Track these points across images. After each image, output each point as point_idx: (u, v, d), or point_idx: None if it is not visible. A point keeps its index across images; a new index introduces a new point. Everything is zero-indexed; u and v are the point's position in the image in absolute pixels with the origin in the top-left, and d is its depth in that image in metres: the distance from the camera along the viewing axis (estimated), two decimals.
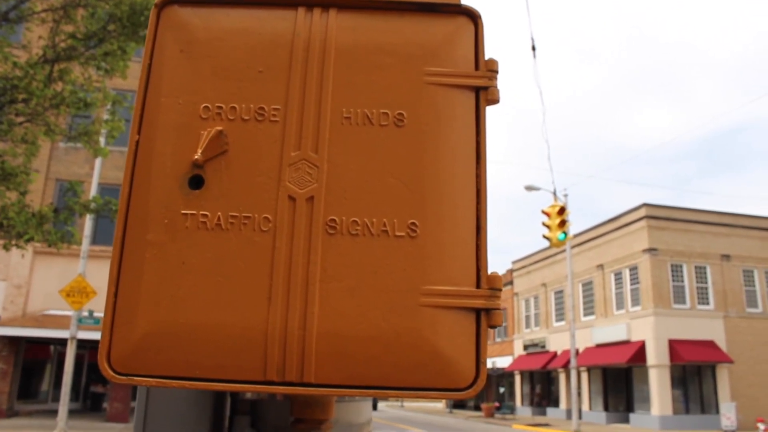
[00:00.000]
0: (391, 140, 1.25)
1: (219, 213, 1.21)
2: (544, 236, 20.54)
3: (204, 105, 1.28)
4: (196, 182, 1.24)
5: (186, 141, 1.26)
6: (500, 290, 1.23)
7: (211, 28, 1.34)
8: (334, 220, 1.20)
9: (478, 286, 1.21)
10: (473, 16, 1.37)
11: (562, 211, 20.42)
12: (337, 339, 1.15)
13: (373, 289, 1.17)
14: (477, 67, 1.33)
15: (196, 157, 1.22)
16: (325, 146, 1.24)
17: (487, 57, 1.36)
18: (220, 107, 1.28)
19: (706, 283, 32.25)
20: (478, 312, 1.20)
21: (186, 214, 1.21)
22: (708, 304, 32.05)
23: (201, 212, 1.21)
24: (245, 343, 1.15)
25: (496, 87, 1.33)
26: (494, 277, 1.23)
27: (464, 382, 1.18)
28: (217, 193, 1.23)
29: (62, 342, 21.50)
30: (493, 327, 1.22)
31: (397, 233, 1.20)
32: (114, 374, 1.18)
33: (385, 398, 1.28)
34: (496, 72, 1.34)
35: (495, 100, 1.32)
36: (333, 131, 1.25)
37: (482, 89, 1.32)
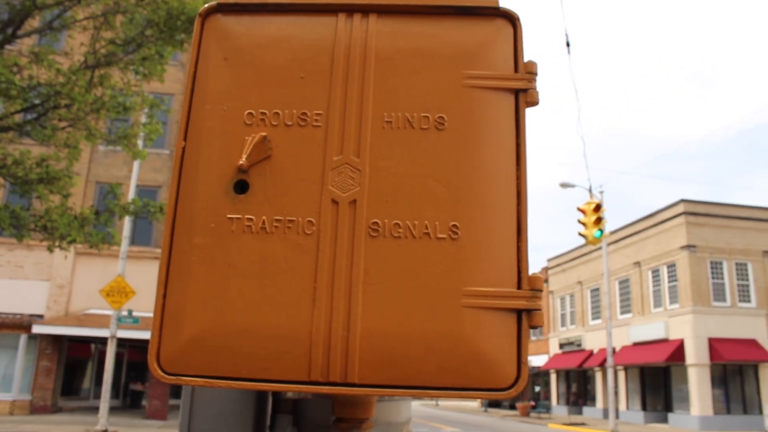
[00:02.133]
0: (431, 143, 1.27)
1: (264, 217, 1.24)
2: (580, 234, 20.29)
3: (248, 111, 1.31)
4: (241, 187, 1.27)
5: (231, 147, 1.29)
6: (541, 291, 1.23)
7: (254, 36, 1.37)
8: (376, 223, 1.22)
9: (519, 287, 1.22)
10: (512, 19, 1.37)
11: (597, 208, 20.15)
12: (381, 340, 1.17)
13: (416, 291, 1.19)
14: (516, 70, 1.34)
15: (240, 162, 1.25)
16: (366, 150, 1.26)
17: (525, 59, 1.36)
18: (264, 113, 1.31)
19: (748, 280, 31.48)
20: (519, 313, 1.21)
21: (232, 218, 1.25)
22: (749, 301, 31.27)
23: (246, 216, 1.25)
24: (290, 344, 1.18)
25: (535, 89, 1.33)
26: (535, 278, 1.23)
27: (506, 383, 1.19)
28: (262, 198, 1.25)
29: (103, 340, 22.00)
30: (534, 327, 1.23)
31: (439, 235, 1.21)
32: (163, 374, 1.22)
33: (428, 398, 1.29)
34: (535, 74, 1.34)
35: (534, 102, 1.33)
36: (374, 135, 1.27)
37: (521, 91, 1.33)
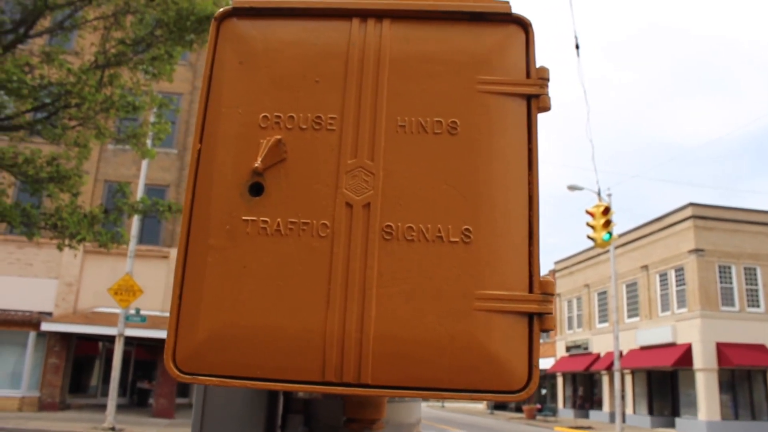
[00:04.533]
0: (444, 148, 1.28)
1: (278, 219, 1.26)
2: (589, 237, 20.24)
3: (263, 114, 1.33)
4: (257, 189, 1.29)
5: (246, 149, 1.30)
6: (552, 295, 1.25)
7: (269, 40, 1.39)
8: (390, 226, 1.24)
9: (530, 290, 1.23)
10: (524, 24, 1.39)
11: (606, 211, 20.10)
12: (394, 342, 1.18)
13: (429, 294, 1.20)
14: (528, 75, 1.35)
15: (256, 165, 1.27)
16: (380, 154, 1.28)
17: (537, 64, 1.37)
18: (279, 116, 1.32)
19: (757, 284, 31.32)
20: (530, 316, 1.22)
21: (247, 220, 1.26)
22: (758, 306, 31.12)
23: (261, 218, 1.26)
24: (304, 345, 1.19)
25: (547, 95, 1.34)
26: (547, 281, 1.24)
27: (517, 385, 1.20)
28: (277, 200, 1.27)
29: (110, 339, 22.10)
30: (545, 331, 1.24)
31: (452, 239, 1.23)
32: (179, 373, 1.23)
33: (440, 399, 1.33)
34: (547, 80, 1.35)
35: (546, 108, 1.34)
36: (388, 139, 1.29)
37: (533, 97, 1.34)
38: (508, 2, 1.39)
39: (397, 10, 1.38)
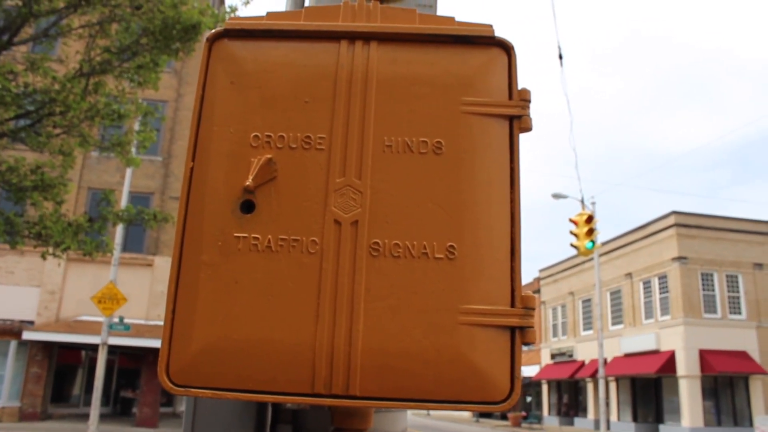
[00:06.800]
0: (430, 167, 1.33)
1: (269, 236, 1.30)
2: (572, 245, 20.40)
3: (254, 134, 1.37)
4: (248, 207, 1.32)
5: (237, 168, 1.34)
6: (533, 309, 1.30)
7: (260, 61, 1.43)
8: (377, 243, 1.28)
9: (512, 305, 1.28)
10: (506, 47, 1.44)
11: (590, 219, 20.28)
12: (381, 355, 1.23)
13: (414, 308, 1.24)
14: (510, 97, 1.40)
15: (247, 183, 1.31)
16: (368, 173, 1.32)
17: (519, 85, 1.43)
18: (269, 136, 1.37)
19: (738, 292, 31.70)
20: (512, 330, 1.27)
21: (238, 236, 1.30)
22: (740, 313, 31.49)
23: (252, 235, 1.30)
24: (294, 358, 1.23)
25: (528, 116, 1.40)
26: (528, 297, 1.29)
27: (500, 396, 1.25)
28: (267, 218, 1.31)
29: (93, 347, 21.90)
30: (526, 344, 1.29)
31: (437, 255, 1.27)
32: (172, 386, 1.27)
33: (425, 409, 1.38)
34: (529, 101, 1.40)
35: (528, 128, 1.39)
36: (375, 159, 1.33)
37: (516, 118, 1.39)
38: (491, 26, 1.45)
39: (384, 33, 1.43)
